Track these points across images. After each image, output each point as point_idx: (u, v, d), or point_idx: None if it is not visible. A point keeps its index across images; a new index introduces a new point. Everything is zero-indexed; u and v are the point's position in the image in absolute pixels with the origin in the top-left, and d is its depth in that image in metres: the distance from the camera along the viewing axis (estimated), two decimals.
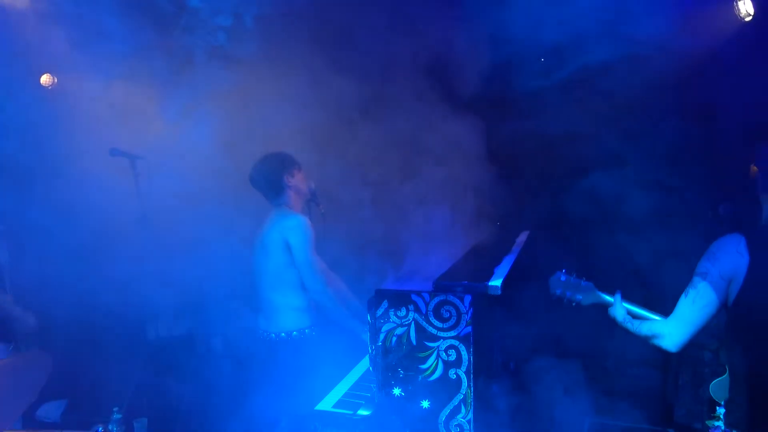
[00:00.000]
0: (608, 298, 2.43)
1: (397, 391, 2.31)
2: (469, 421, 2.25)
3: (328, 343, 3.27)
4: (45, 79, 4.36)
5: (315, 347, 3.26)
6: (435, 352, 2.27)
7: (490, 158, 3.71)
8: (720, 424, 2.07)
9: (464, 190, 3.34)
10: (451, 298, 2.25)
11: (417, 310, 2.28)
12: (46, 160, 4.03)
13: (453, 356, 2.25)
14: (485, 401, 2.38)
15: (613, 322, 2.43)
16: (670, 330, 2.24)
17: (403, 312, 2.30)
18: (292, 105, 3.76)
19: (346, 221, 3.67)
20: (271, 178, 3.34)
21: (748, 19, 3.94)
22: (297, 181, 3.38)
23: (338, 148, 3.80)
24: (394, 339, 2.31)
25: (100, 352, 4.23)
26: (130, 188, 3.79)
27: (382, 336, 2.33)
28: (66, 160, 4.00)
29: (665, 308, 2.32)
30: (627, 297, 2.44)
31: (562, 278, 2.46)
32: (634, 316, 2.38)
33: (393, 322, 2.31)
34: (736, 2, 3.94)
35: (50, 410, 4.40)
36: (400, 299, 2.30)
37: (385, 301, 2.32)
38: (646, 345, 2.34)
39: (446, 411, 2.27)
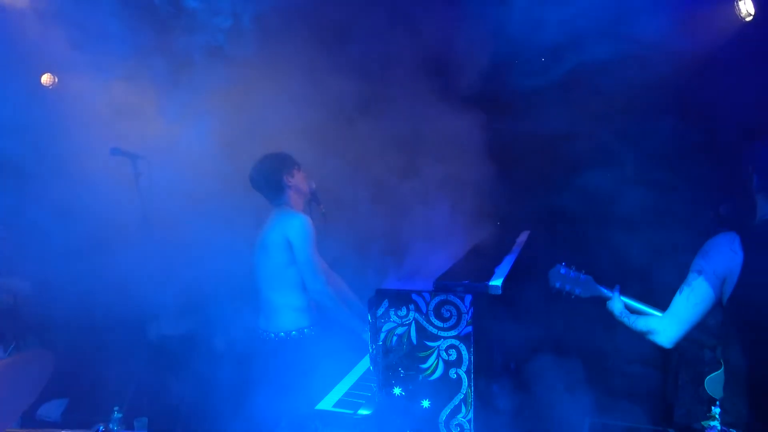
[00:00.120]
0: (607, 291, 2.46)
1: (397, 391, 2.32)
2: (469, 421, 2.25)
3: (328, 342, 3.27)
4: (45, 78, 4.36)
5: (315, 347, 3.26)
6: (435, 352, 2.27)
7: (491, 157, 3.71)
8: (716, 423, 2.07)
9: (464, 189, 3.34)
10: (451, 297, 2.25)
11: (417, 309, 2.28)
12: (47, 160, 4.03)
13: (453, 356, 2.25)
14: (486, 401, 2.38)
15: (611, 319, 2.45)
16: (665, 326, 2.27)
17: (403, 311, 2.30)
18: (291, 104, 3.76)
19: (347, 220, 3.67)
20: (271, 178, 3.34)
21: (748, 19, 3.94)
22: (297, 180, 3.38)
23: (338, 147, 3.80)
24: (395, 338, 2.31)
25: (101, 352, 4.23)
26: (131, 188, 3.79)
27: (382, 335, 2.33)
28: (66, 160, 4.00)
29: (665, 306, 2.33)
30: (626, 293, 2.46)
31: (562, 271, 2.48)
32: (632, 311, 2.41)
33: (393, 321, 2.31)
34: (737, 2, 3.93)
35: (51, 409, 4.40)
36: (400, 299, 2.30)
37: (386, 300, 2.32)
38: (646, 344, 2.37)
39: (447, 410, 2.27)
